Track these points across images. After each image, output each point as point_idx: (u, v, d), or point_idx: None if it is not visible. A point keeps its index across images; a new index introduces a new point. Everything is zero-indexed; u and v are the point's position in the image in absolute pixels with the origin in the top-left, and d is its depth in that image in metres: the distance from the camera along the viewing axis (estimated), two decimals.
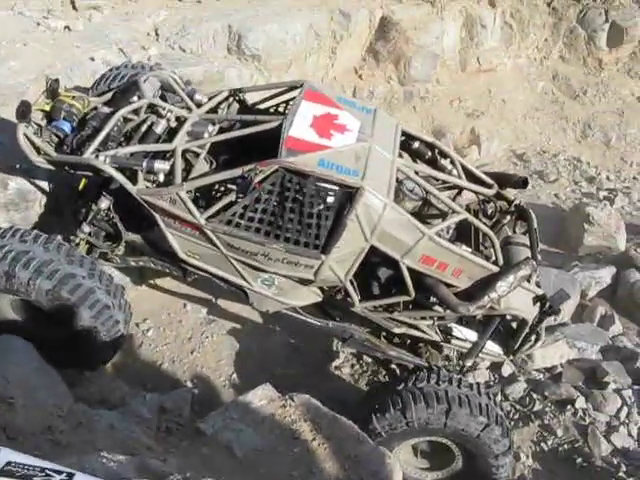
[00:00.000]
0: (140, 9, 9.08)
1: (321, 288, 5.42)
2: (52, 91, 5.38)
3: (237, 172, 4.82)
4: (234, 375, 6.32)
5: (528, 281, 5.19)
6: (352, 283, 5.20)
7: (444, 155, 5.88)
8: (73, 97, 5.46)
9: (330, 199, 4.76)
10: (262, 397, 4.37)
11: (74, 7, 8.34)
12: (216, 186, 5.30)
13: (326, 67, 10.63)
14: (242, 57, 9.22)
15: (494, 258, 5.21)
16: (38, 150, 5.15)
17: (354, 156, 4.86)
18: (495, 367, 6.94)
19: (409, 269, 4.99)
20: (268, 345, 6.69)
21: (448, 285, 5.11)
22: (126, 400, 4.74)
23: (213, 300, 6.82)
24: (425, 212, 5.73)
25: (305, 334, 6.41)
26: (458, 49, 12.32)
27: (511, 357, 5.99)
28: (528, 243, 5.58)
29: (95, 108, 5.52)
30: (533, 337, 5.58)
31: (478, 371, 6.81)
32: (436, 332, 5.65)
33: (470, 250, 5.17)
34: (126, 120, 5.36)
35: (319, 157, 4.76)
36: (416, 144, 5.84)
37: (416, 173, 5.28)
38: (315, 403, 4.40)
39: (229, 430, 4.06)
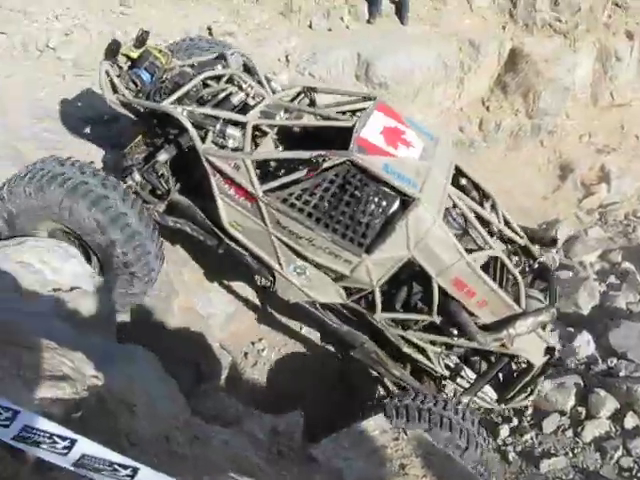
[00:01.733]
0: (272, 35, 9.37)
1: (347, 290, 5.40)
2: (141, 41, 5.52)
3: (306, 154, 4.92)
4: (348, 401, 6.29)
5: (543, 329, 5.30)
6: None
7: (487, 197, 5.85)
8: (160, 51, 5.63)
9: (386, 202, 4.89)
10: (375, 427, 4.31)
11: (210, 33, 8.70)
12: (278, 165, 5.34)
13: (453, 97, 10.55)
14: (370, 85, 9.31)
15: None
16: (115, 90, 5.32)
17: (415, 170, 4.98)
18: (617, 418, 6.55)
19: (439, 289, 5.04)
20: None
21: (469, 314, 5.14)
22: (240, 418, 4.80)
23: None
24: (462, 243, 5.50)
25: None
26: (590, 82, 11.90)
27: (502, 406, 5.95)
28: (544, 300, 5.57)
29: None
30: (529, 389, 5.66)
31: (597, 420, 6.45)
32: (439, 363, 5.66)
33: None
34: (205, 86, 5.49)
35: (384, 161, 4.89)
36: (463, 181, 5.81)
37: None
38: (428, 439, 4.30)
39: (340, 458, 4.02)
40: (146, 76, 5.44)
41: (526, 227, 6.21)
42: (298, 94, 5.92)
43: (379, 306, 5.28)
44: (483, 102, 10.99)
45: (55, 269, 4.76)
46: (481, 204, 5.76)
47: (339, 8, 9.95)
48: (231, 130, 5.07)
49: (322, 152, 4.87)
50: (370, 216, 4.91)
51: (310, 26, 9.76)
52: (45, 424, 2.16)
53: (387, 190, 4.86)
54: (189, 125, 5.04)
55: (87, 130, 6.81)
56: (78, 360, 3.24)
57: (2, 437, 2.08)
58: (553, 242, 6.13)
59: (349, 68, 9.32)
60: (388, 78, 9.28)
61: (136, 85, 5.41)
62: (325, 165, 4.84)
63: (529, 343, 5.25)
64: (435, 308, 5.13)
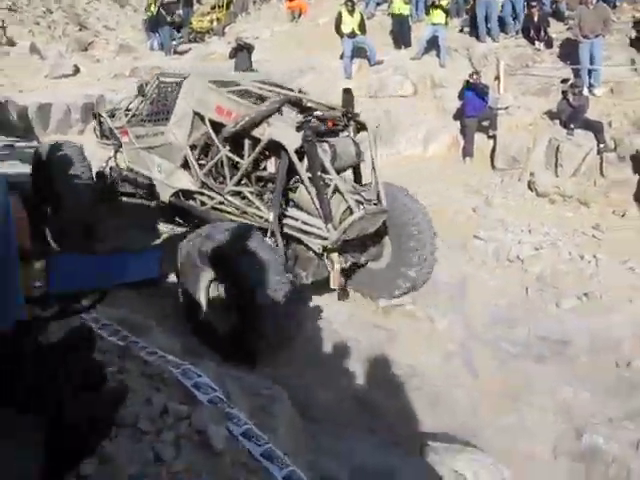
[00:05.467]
0: None
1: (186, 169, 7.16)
2: None
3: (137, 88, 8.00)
4: None
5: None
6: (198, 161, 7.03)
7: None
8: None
9: (176, 88, 7.11)
10: None
11: None
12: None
13: None
14: None
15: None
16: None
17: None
18: None
19: (213, 123, 6.66)
20: None
21: None
22: None
23: None
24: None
25: None
26: None
27: (333, 230, 6.03)
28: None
29: None
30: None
31: None
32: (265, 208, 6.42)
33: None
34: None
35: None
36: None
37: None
38: None
39: None
40: None
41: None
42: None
43: (195, 166, 6.92)
44: None
45: None
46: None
47: None
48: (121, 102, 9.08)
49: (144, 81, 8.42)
50: (171, 101, 7.15)
51: None
52: None
53: (175, 80, 7.19)
54: (104, 114, 8.57)
55: None
56: None
57: None
58: (345, 91, 6.91)
59: None
60: None
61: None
62: (148, 89, 7.62)
63: (279, 130, 6.15)
64: (215, 138, 6.68)
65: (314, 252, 6.45)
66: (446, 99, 12.87)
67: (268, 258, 5.56)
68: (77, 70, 18.13)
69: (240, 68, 13.63)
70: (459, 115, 12.26)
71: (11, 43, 24.49)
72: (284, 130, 6.12)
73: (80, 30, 30.78)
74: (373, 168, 6.59)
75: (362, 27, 14.37)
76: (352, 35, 14.21)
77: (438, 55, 14.04)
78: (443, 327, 7.21)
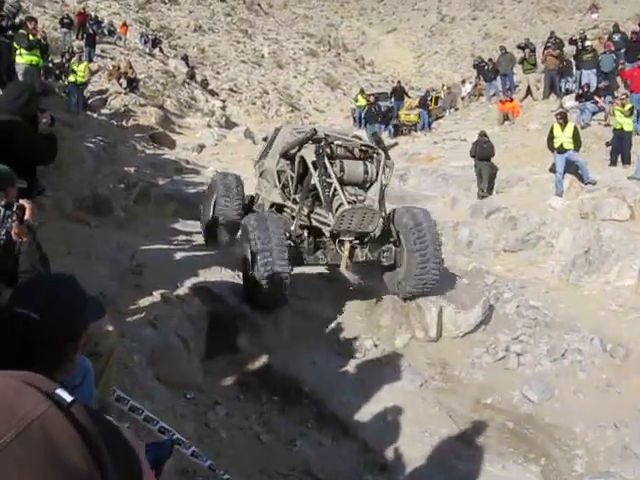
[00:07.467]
0: None
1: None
2: None
3: None
4: None
5: None
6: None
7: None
8: None
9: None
10: None
11: None
12: None
13: None
14: None
15: None
16: None
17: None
18: None
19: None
20: None
21: None
22: None
23: None
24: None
25: None
26: None
27: (332, 219, 8.14)
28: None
29: None
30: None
31: None
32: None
33: None
34: None
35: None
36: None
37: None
38: None
39: None
40: None
41: None
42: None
43: (277, 183, 9.07)
44: None
45: None
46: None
47: None
48: None
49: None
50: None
51: None
52: None
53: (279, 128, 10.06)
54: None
55: None
56: None
57: None
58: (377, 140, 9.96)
59: None
60: None
61: None
62: (270, 137, 10.33)
63: (305, 150, 8.52)
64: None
65: (334, 244, 8.43)
66: None
67: (276, 245, 7.62)
68: None
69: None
70: None
71: (228, 123, 26.65)
72: (307, 149, 8.49)
73: (292, 111, 32.88)
74: (380, 188, 8.48)
75: (575, 141, 13.73)
76: (563, 150, 13.70)
77: None
78: None
